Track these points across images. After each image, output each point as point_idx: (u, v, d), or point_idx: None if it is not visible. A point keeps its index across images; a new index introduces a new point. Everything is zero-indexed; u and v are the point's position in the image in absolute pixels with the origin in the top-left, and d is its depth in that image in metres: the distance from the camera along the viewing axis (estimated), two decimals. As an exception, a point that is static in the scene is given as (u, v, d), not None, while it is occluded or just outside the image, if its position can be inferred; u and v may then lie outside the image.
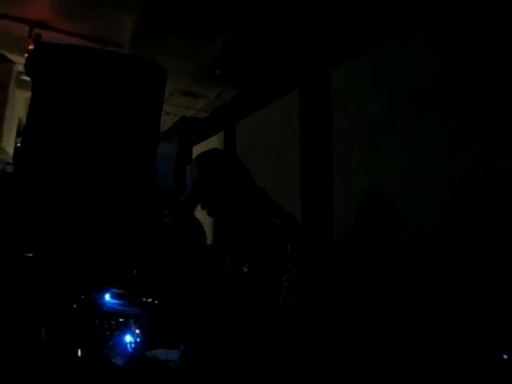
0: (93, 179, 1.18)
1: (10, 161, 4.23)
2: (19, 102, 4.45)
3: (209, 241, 2.84)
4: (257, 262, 1.66)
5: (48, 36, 3.40)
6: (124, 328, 1.56)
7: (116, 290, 2.03)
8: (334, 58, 2.78)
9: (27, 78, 1.18)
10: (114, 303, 1.93)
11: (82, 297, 1.95)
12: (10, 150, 4.31)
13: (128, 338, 1.46)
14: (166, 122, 5.50)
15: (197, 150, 5.20)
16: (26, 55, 3.38)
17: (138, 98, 1.11)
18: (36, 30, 3.38)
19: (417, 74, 2.20)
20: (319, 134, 2.85)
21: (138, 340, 1.44)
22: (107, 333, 1.55)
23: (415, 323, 2.04)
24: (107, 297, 1.96)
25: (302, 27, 2.86)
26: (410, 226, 2.18)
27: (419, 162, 2.14)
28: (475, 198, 1.86)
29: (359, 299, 2.38)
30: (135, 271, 2.54)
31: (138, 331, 1.50)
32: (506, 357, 1.66)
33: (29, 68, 1.08)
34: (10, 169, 3.80)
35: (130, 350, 1.41)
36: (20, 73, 4.15)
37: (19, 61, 3.94)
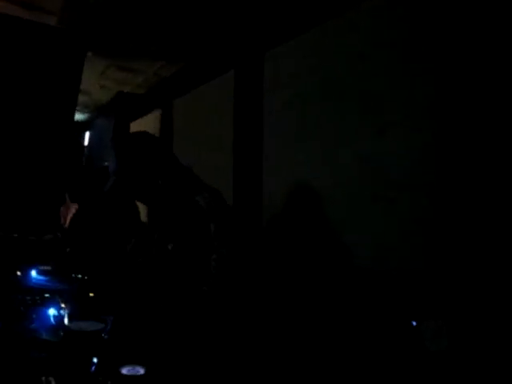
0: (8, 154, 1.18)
1: None
2: None
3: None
4: (180, 241, 1.71)
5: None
6: (49, 302, 1.56)
7: (44, 267, 2.01)
8: (266, 41, 2.83)
9: None
10: (40, 279, 1.91)
11: (6, 272, 1.92)
12: None
13: (52, 311, 1.47)
14: (101, 96, 5.31)
15: (134, 125, 5.10)
16: None
17: (51, 68, 1.10)
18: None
19: (346, 59, 2.30)
20: (251, 117, 2.90)
21: (62, 313, 1.46)
22: (31, 307, 1.55)
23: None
24: (34, 273, 1.93)
25: (237, 8, 2.87)
26: (334, 211, 2.31)
27: (344, 149, 2.25)
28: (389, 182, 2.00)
29: (287, 282, 2.49)
30: (68, 249, 2.51)
31: (63, 305, 1.52)
32: (415, 323, 1.83)
33: None
34: None
35: (54, 322, 1.43)
36: None
37: None
